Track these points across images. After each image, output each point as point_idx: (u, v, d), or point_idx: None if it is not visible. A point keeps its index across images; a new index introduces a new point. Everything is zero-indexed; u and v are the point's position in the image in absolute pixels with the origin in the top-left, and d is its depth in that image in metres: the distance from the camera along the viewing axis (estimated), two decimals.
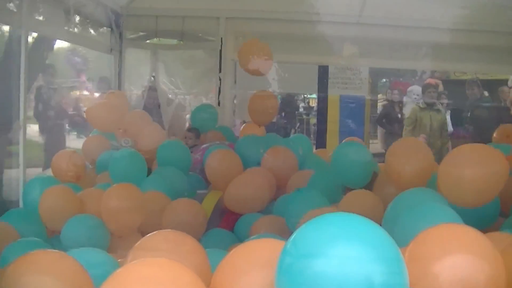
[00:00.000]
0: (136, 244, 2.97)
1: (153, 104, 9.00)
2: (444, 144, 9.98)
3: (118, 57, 8.64)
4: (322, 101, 9.55)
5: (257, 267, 2.55)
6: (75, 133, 11.45)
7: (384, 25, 8.25)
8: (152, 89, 9.07)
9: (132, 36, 9.05)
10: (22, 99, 5.98)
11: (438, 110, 10.37)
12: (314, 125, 17.33)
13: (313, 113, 18.21)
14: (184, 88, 9.62)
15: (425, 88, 10.47)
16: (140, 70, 8.49)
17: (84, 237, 4.82)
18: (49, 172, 7.39)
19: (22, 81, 5.94)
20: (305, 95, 17.78)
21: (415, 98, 12.76)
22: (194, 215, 5.44)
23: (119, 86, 8.78)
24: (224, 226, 5.76)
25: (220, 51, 8.51)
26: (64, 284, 2.69)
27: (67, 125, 10.36)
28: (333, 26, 8.32)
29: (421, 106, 10.03)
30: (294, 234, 2.19)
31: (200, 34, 8.99)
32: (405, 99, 13.24)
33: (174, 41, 9.39)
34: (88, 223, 5.06)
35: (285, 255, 2.16)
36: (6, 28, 7.11)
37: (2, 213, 7.26)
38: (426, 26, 8.03)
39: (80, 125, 10.96)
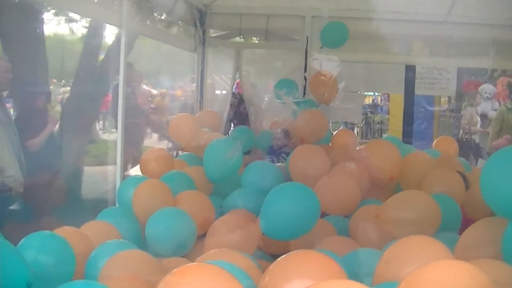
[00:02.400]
0: None
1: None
2: None
3: (202, 56, 8.57)
4: (408, 100, 9.31)
5: None
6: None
7: (471, 23, 7.99)
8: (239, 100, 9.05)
9: (215, 34, 8.97)
10: (120, 99, 5.87)
11: None
12: (378, 123, 17.13)
13: (378, 110, 17.99)
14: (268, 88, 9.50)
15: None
16: (223, 68, 8.38)
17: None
18: (132, 171, 7.40)
19: (121, 81, 5.85)
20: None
21: (487, 97, 12.48)
22: None
23: (201, 85, 8.71)
24: None
25: (306, 50, 8.36)
26: None
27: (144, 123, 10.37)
28: (421, 25, 8.13)
29: (508, 106, 9.72)
30: None
31: (285, 33, 8.85)
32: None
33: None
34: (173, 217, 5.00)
35: None
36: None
37: (81, 211, 7.35)
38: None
39: (157, 124, 11.00)
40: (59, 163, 7.41)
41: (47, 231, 3.93)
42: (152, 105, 11.50)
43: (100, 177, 9.80)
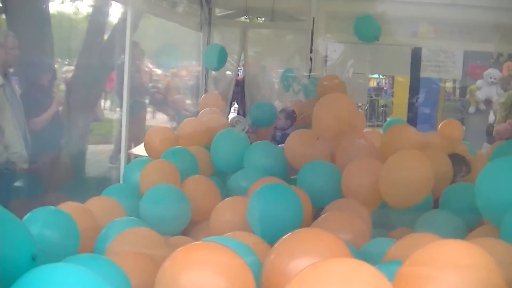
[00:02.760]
0: None
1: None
2: None
3: (207, 35, 8.54)
4: (414, 83, 9.29)
5: None
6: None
7: (477, 6, 7.94)
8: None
9: (221, 13, 8.93)
10: (126, 78, 5.84)
11: None
12: (383, 106, 17.09)
13: (383, 94, 17.95)
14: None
15: None
16: (229, 48, 8.33)
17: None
18: (135, 150, 7.40)
19: (127, 60, 5.82)
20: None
21: (492, 82, 12.44)
22: None
23: None
24: None
25: (312, 31, 8.31)
26: (226, 278, 2.57)
27: (147, 102, 10.36)
28: (427, 8, 8.09)
29: None
30: None
31: (291, 13, 8.80)
32: (480, 82, 12.92)
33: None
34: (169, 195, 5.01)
35: None
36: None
37: (85, 189, 7.36)
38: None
39: (160, 102, 10.99)
40: (63, 140, 7.43)
41: (51, 207, 3.94)
42: (159, 85, 11.49)
43: (103, 156, 9.83)
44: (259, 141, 6.45)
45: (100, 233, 4.01)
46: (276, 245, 2.92)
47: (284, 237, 2.91)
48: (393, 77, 14.87)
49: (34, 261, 2.55)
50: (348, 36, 8.22)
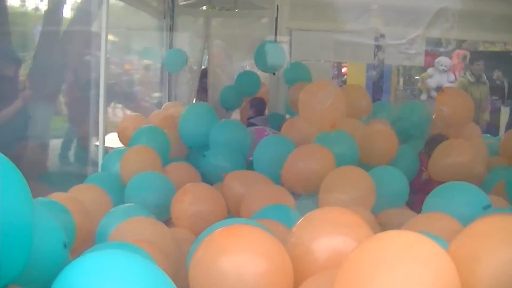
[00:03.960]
0: None
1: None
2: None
3: (170, 24, 8.41)
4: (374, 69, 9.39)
5: None
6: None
7: None
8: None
9: (184, 2, 8.81)
10: (102, 69, 5.67)
11: (485, 83, 10.24)
12: None
13: (343, 80, 18.06)
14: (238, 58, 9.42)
15: (474, 59, 10.30)
16: (192, 37, 8.24)
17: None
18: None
19: (103, 50, 5.63)
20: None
21: (443, 69, 12.69)
22: None
23: None
24: None
25: (276, 19, 8.26)
26: (265, 260, 2.51)
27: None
28: None
29: (470, 79, 9.88)
30: None
31: (255, 1, 8.73)
32: (431, 70, 13.17)
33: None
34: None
35: None
36: None
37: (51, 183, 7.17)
38: None
39: (119, 96, 10.77)
40: (25, 134, 7.22)
41: (44, 198, 3.80)
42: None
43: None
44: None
45: (100, 223, 3.89)
46: (296, 226, 2.88)
47: (304, 217, 2.88)
48: (339, 66, 14.94)
49: (66, 248, 2.47)
50: (312, 23, 8.21)
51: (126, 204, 4.42)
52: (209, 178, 5.65)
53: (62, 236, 2.52)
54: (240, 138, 6.02)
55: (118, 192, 4.94)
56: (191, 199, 4.48)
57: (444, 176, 5.19)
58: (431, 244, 2.02)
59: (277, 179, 4.96)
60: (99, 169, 5.71)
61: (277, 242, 2.60)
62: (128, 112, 10.19)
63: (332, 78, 15.62)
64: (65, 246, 2.47)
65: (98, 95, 5.74)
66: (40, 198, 3.65)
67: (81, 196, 4.33)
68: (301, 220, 2.89)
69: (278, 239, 2.68)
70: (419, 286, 1.90)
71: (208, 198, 4.56)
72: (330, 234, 2.72)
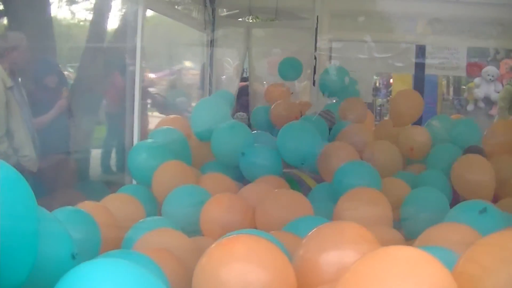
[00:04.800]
0: None
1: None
2: None
3: (211, 35, 8.49)
4: (419, 81, 9.26)
5: None
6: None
7: (477, 3, 7.95)
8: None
9: (224, 14, 8.89)
10: (137, 79, 5.76)
11: None
12: (379, 106, 17.05)
13: (379, 94, 17.89)
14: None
15: None
16: (233, 48, 8.30)
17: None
18: None
19: (138, 57, 5.74)
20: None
21: (490, 79, 12.45)
22: None
23: (210, 66, 8.65)
24: None
25: (316, 29, 8.28)
26: (268, 271, 2.51)
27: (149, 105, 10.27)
28: (429, 4, 8.07)
29: None
30: None
31: (295, 12, 8.77)
32: (478, 80, 12.93)
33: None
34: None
35: None
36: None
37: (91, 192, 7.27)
38: None
39: (161, 105, 10.89)
40: (68, 144, 7.35)
41: (71, 207, 3.87)
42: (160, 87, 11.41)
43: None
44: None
45: (126, 234, 3.95)
46: (305, 239, 2.87)
47: (313, 230, 2.87)
48: (388, 77, 14.82)
49: (74, 259, 2.51)
50: (352, 34, 8.18)
51: (155, 217, 4.46)
52: (247, 176, 5.73)
53: (70, 247, 2.55)
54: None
55: (151, 201, 5.00)
56: (219, 209, 4.49)
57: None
58: (430, 261, 2.00)
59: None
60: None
61: (281, 253, 2.60)
62: None
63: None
64: (73, 257, 2.50)
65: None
66: (66, 207, 3.72)
67: (112, 206, 4.40)
68: (310, 232, 2.88)
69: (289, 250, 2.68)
70: None
71: (236, 208, 4.56)
72: (337, 248, 2.70)
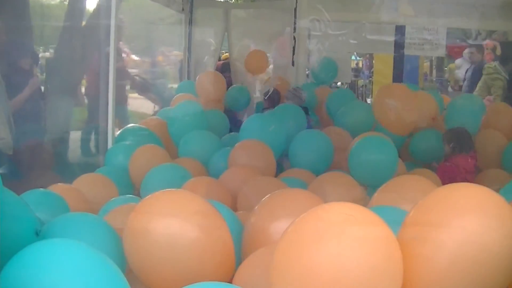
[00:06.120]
0: None
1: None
2: None
3: (189, 16, 8.42)
4: (398, 62, 9.23)
5: None
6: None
7: None
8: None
9: None
10: (112, 56, 5.70)
11: None
12: (362, 86, 17.07)
13: (361, 74, 17.91)
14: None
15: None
16: (211, 30, 8.23)
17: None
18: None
19: (112, 36, 5.67)
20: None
21: None
22: None
23: (189, 47, 8.58)
24: None
25: (295, 9, 8.22)
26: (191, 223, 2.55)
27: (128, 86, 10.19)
28: None
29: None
30: None
31: None
32: (460, 61, 12.93)
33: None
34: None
35: None
36: None
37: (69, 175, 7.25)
38: None
39: (141, 86, 10.81)
40: (45, 126, 7.30)
41: (41, 189, 3.86)
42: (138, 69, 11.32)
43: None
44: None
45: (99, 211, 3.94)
46: (256, 208, 2.91)
47: (264, 198, 2.88)
48: (370, 59, 14.79)
49: (38, 236, 2.51)
50: (332, 14, 8.14)
51: (127, 195, 4.44)
52: None
53: (33, 224, 2.54)
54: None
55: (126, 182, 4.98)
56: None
57: None
58: (370, 220, 2.02)
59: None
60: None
61: (210, 205, 2.66)
62: (150, 103, 10.29)
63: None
64: (36, 233, 2.50)
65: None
66: (36, 189, 3.71)
67: (84, 186, 4.38)
68: (263, 199, 2.91)
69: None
70: (352, 259, 1.95)
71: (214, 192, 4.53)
72: (286, 214, 2.72)
